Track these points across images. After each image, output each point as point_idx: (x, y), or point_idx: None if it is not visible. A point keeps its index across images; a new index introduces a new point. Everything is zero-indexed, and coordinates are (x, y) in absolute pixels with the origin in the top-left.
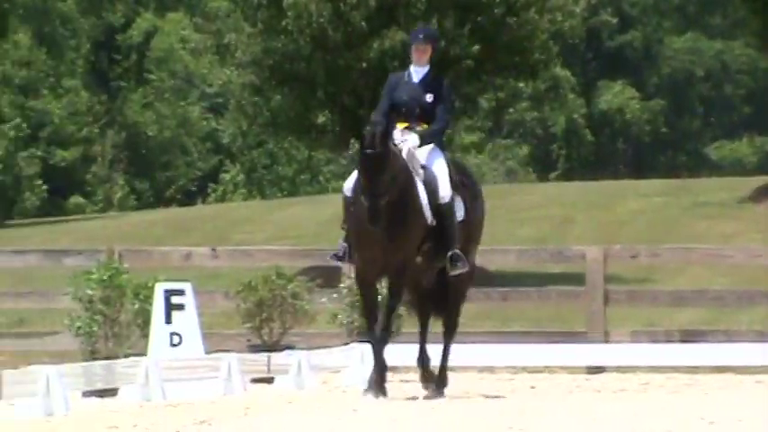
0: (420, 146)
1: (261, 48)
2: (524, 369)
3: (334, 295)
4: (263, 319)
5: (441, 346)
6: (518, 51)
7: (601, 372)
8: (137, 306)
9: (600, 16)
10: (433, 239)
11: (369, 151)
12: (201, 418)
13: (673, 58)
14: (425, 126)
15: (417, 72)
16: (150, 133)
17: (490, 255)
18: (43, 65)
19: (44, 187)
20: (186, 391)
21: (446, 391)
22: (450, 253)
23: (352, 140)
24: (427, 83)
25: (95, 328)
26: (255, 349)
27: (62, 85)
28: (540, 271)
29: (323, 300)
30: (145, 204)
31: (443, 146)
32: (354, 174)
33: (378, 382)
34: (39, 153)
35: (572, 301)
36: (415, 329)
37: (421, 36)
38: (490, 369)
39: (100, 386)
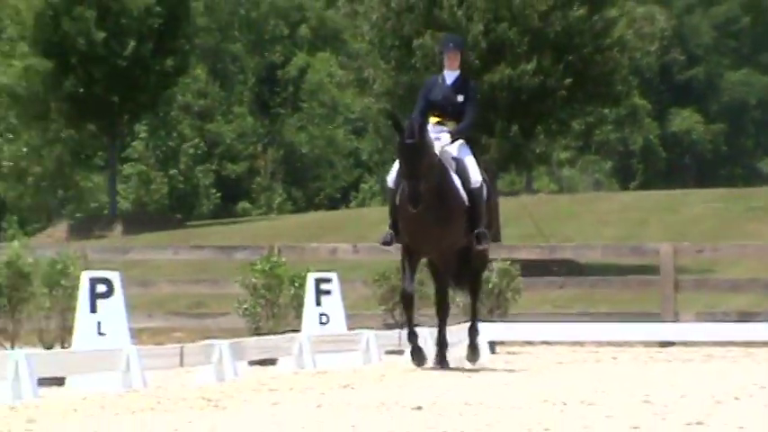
0: (451, 142)
1: (393, 81)
2: (608, 343)
3: (452, 282)
4: (395, 302)
5: (467, 325)
6: (604, 83)
7: (671, 346)
8: (292, 292)
9: (671, 54)
10: (466, 219)
11: (408, 141)
12: (345, 383)
13: (731, 89)
14: (455, 123)
15: (449, 76)
16: (303, 151)
17: (580, 250)
18: (217, 95)
19: (217, 195)
20: (332, 362)
21: (478, 364)
22: (477, 231)
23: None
24: (458, 85)
25: (259, 310)
26: (389, 327)
27: (232, 112)
28: (621, 263)
29: None
30: (299, 209)
31: (472, 140)
32: (395, 167)
33: (414, 345)
34: (213, 167)
35: (648, 288)
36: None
37: (451, 45)
38: (580, 343)
39: (262, 357)
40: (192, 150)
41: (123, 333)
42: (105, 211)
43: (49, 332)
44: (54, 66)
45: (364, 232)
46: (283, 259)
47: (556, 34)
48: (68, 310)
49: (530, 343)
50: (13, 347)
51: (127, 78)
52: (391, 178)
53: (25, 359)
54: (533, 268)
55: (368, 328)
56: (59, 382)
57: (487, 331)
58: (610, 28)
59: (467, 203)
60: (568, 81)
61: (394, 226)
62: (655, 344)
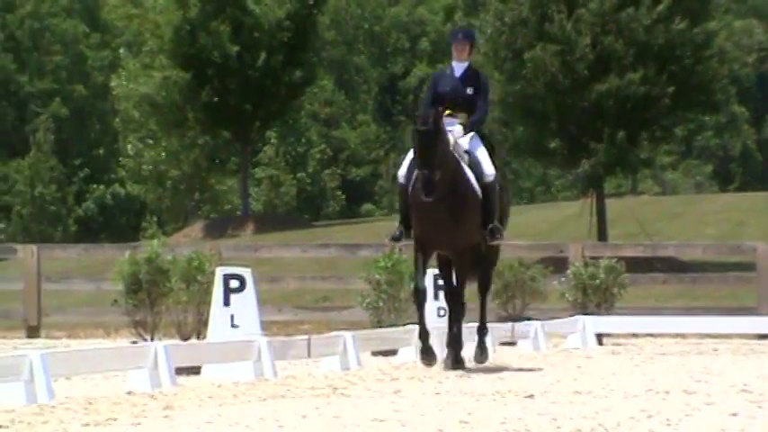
0: (463, 135)
1: (506, 91)
2: (708, 336)
3: (563, 279)
4: (508, 297)
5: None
6: (704, 92)
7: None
8: (412, 286)
9: (767, 64)
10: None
11: (422, 128)
12: (461, 373)
13: None
14: (465, 115)
15: (458, 68)
16: None
17: (682, 248)
18: (342, 104)
19: (342, 197)
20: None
21: (488, 362)
22: (490, 225)
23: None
24: (467, 77)
25: (381, 304)
26: (503, 320)
27: (356, 119)
28: (720, 261)
29: (554, 282)
30: None
31: (483, 133)
32: (406, 162)
33: (425, 344)
34: (338, 171)
35: (746, 284)
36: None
37: (460, 36)
38: (682, 335)
39: (384, 348)
40: (318, 155)
41: (255, 325)
42: (238, 212)
43: (186, 324)
44: (191, 77)
45: None
46: (404, 257)
47: (659, 46)
48: (204, 303)
49: (635, 335)
50: (152, 339)
51: (258, 89)
52: (402, 173)
53: (164, 350)
54: (637, 265)
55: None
56: (196, 371)
57: (595, 324)
58: (710, 40)
59: (480, 196)
60: (671, 90)
61: (405, 222)
62: (753, 336)
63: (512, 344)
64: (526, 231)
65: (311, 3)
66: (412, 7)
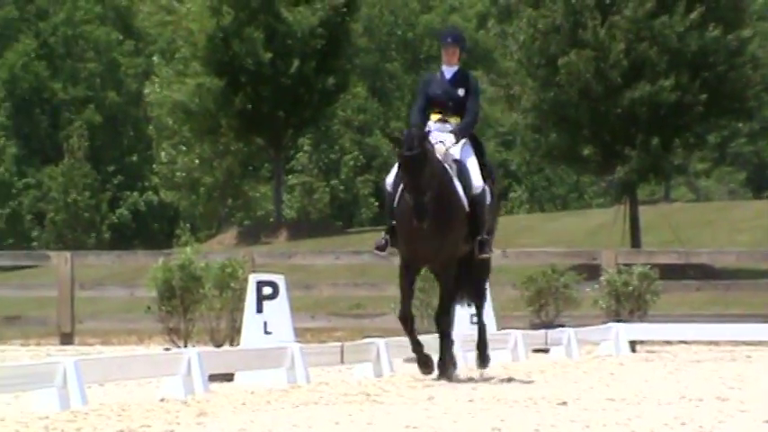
0: (456, 142)
1: (540, 97)
2: (742, 343)
3: (596, 286)
4: (541, 304)
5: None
6: (737, 99)
7: None
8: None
9: None
10: (467, 225)
11: (408, 153)
12: (494, 380)
13: None
14: (457, 118)
15: (448, 71)
16: None
17: (716, 255)
18: (375, 111)
19: (376, 204)
20: None
21: (488, 370)
22: (479, 238)
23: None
24: (457, 79)
25: (415, 310)
26: (535, 327)
27: (389, 126)
28: (754, 268)
29: (587, 289)
30: None
31: (475, 136)
32: (394, 169)
33: (420, 357)
34: (372, 178)
35: None
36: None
37: (449, 39)
38: (715, 343)
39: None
40: (352, 162)
41: (288, 332)
42: (271, 219)
43: (219, 331)
44: (224, 84)
45: (512, 238)
46: None
47: (692, 53)
48: (237, 310)
49: (668, 342)
50: (185, 346)
51: (291, 96)
52: (390, 181)
53: (197, 356)
54: (671, 272)
55: (515, 328)
56: (229, 377)
57: (628, 331)
58: (743, 47)
59: (467, 209)
60: (704, 97)
61: (391, 230)
62: None
63: (545, 351)
64: (559, 238)
65: (344, 10)
66: (445, 14)
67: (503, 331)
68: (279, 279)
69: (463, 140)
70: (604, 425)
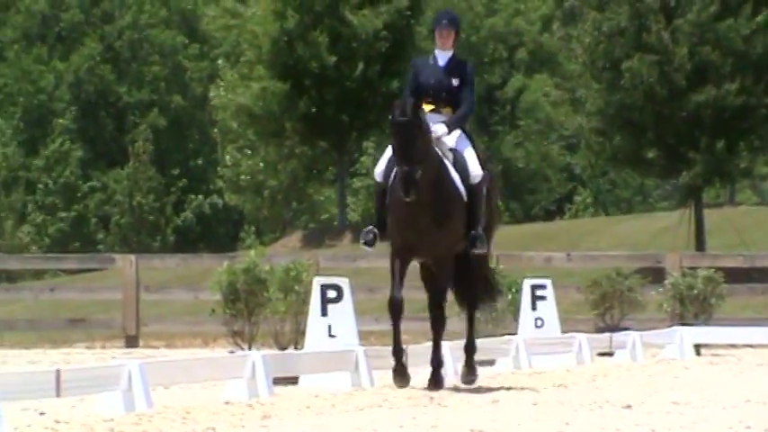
0: (448, 133)
1: (604, 101)
2: None
3: (660, 289)
4: (606, 308)
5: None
6: None
7: None
8: (509, 297)
9: None
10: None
11: (400, 119)
12: (559, 383)
13: None
14: (450, 110)
15: (441, 56)
16: (520, 165)
17: (761, 260)
18: None
19: None
20: (547, 362)
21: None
22: (473, 233)
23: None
24: (452, 67)
25: (478, 315)
26: (600, 330)
27: None
28: None
29: (652, 293)
30: (516, 220)
31: (469, 130)
32: (384, 158)
33: (398, 362)
34: None
35: None
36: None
37: (445, 21)
38: (752, 346)
39: (481, 358)
40: None
41: (352, 335)
42: (335, 222)
43: (284, 334)
44: (289, 87)
45: (577, 241)
46: (501, 267)
47: (758, 56)
48: (301, 313)
49: (733, 346)
50: (250, 349)
51: (356, 99)
52: (379, 171)
53: (261, 360)
54: (736, 276)
55: (580, 331)
56: (293, 381)
57: (693, 334)
58: None
59: (465, 199)
60: None
61: (379, 224)
62: None
63: (609, 354)
64: (624, 241)
65: (408, 13)
66: (509, 17)
67: (567, 335)
68: (343, 282)
69: (457, 132)
70: (669, 429)
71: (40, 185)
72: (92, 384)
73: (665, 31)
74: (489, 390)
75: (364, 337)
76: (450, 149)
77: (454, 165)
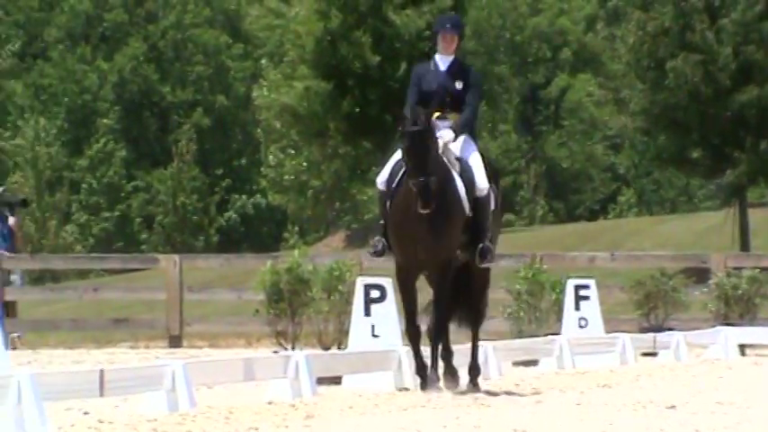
0: (454, 139)
1: (649, 100)
2: None
3: (705, 289)
4: (650, 308)
5: (469, 343)
6: None
7: None
8: (553, 297)
9: None
10: (468, 231)
11: (414, 128)
12: (603, 383)
13: None
14: (456, 114)
15: (444, 61)
16: (564, 165)
17: None
18: (483, 113)
19: None
20: (590, 362)
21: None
22: (481, 245)
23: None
24: (455, 71)
25: (522, 314)
26: (644, 330)
27: (498, 129)
28: None
29: (696, 293)
30: (560, 220)
31: (475, 134)
32: (388, 167)
33: (424, 379)
34: None
35: None
36: None
37: (448, 25)
38: None
39: (525, 358)
40: None
41: (395, 335)
42: (368, 216)
43: (327, 334)
44: (332, 87)
45: (621, 241)
46: (545, 267)
47: None
48: (345, 313)
49: None
50: (293, 349)
51: (399, 99)
52: (382, 179)
53: (305, 360)
54: None
55: (624, 331)
56: (336, 380)
57: (737, 335)
58: None
59: (468, 212)
60: None
61: (386, 233)
62: None
63: (653, 354)
64: (668, 241)
65: (452, 13)
66: (554, 17)
67: (611, 335)
68: (386, 282)
69: (463, 137)
70: (713, 429)
71: (84, 185)
72: (135, 384)
73: (710, 30)
74: (533, 390)
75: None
76: (457, 158)
77: (461, 175)
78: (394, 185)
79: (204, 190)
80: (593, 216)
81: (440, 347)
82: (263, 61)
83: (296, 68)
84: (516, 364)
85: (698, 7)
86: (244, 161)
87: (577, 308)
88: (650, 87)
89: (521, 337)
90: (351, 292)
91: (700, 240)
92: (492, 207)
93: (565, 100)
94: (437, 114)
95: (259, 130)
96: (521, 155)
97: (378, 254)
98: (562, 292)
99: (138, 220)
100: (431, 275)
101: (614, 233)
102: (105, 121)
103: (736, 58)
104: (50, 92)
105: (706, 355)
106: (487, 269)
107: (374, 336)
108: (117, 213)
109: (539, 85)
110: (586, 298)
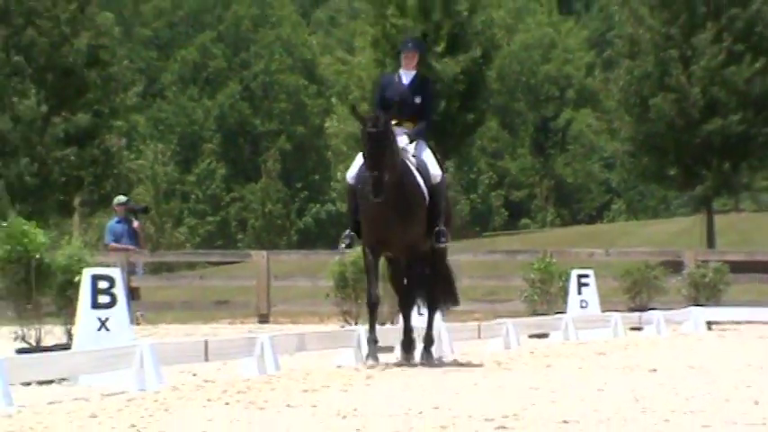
0: (409, 143)
1: (635, 130)
2: None
3: (679, 278)
4: (636, 292)
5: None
6: None
7: None
8: (560, 284)
9: None
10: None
11: (372, 130)
12: (599, 351)
13: None
14: (411, 124)
15: (406, 75)
16: (569, 180)
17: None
18: (505, 140)
19: (506, 213)
20: (590, 335)
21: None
22: (437, 229)
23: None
24: (415, 86)
25: (536, 297)
26: (631, 310)
27: (516, 152)
28: None
29: (672, 281)
30: (565, 223)
31: (426, 140)
32: (356, 163)
33: (371, 352)
34: (502, 193)
35: None
36: None
37: (410, 44)
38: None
39: (538, 332)
40: (486, 180)
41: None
42: None
43: (383, 313)
44: None
45: (613, 241)
46: (554, 260)
47: (756, 95)
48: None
49: (737, 323)
50: (356, 324)
51: (440, 129)
52: (351, 174)
53: (365, 333)
54: (739, 267)
55: (616, 311)
56: (390, 349)
57: (705, 314)
58: None
59: (427, 198)
60: (765, 129)
61: (354, 227)
62: None
63: (639, 329)
64: (650, 240)
65: (481, 61)
66: (560, 65)
67: (606, 314)
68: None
69: (416, 141)
70: (687, 387)
71: (192, 196)
72: (233, 352)
73: (683, 75)
74: (544, 357)
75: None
76: (414, 156)
77: (417, 168)
78: (361, 180)
79: (287, 200)
80: (591, 220)
81: (409, 320)
82: (333, 99)
83: (359, 105)
84: (531, 336)
85: (674, 57)
86: (318, 177)
87: (579, 292)
88: (636, 120)
89: (535, 315)
90: None
91: (675, 240)
92: (445, 193)
93: (569, 129)
94: (394, 123)
95: (330, 153)
96: (535, 172)
97: (348, 246)
98: (567, 280)
99: (234, 223)
100: (401, 257)
101: (608, 234)
102: (209, 145)
103: (703, 97)
104: (166, 123)
105: (680, 329)
106: (445, 252)
107: (419, 314)
108: (218, 218)
109: (549, 117)
110: (586, 285)
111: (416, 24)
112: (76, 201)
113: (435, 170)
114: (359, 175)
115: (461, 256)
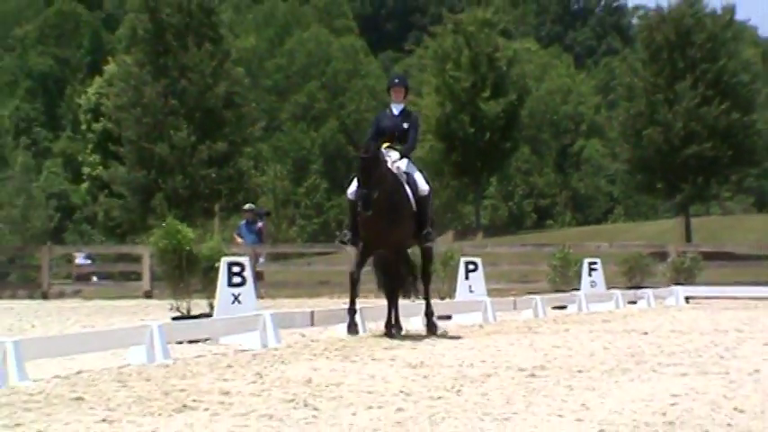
0: (400, 158)
1: (631, 155)
2: (754, 298)
3: (665, 264)
4: (632, 276)
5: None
6: (748, 155)
7: None
8: (575, 269)
9: None
10: (415, 222)
11: (364, 155)
12: (605, 319)
13: None
14: (400, 145)
15: (396, 108)
16: (582, 192)
17: (737, 246)
18: (533, 161)
19: (534, 216)
20: (598, 307)
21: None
22: (424, 231)
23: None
24: (404, 115)
25: (557, 279)
26: (629, 288)
27: (542, 170)
28: (760, 254)
29: (660, 267)
30: (579, 224)
31: (412, 159)
32: (354, 183)
33: (351, 325)
34: (532, 201)
35: None
36: None
37: (396, 81)
38: (735, 298)
39: (559, 304)
40: (520, 192)
41: (483, 291)
42: (473, 225)
43: (443, 291)
44: (445, 147)
45: (615, 237)
46: (570, 251)
47: (723, 127)
48: (453, 278)
49: (708, 297)
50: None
51: (485, 153)
52: (351, 191)
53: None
54: (710, 257)
55: (617, 288)
56: (449, 317)
57: (684, 291)
58: (753, 125)
59: (414, 209)
60: (730, 154)
61: (352, 228)
62: None
63: (634, 303)
64: (643, 236)
65: (516, 103)
66: (576, 105)
67: (610, 291)
68: (478, 260)
69: (406, 160)
70: (670, 345)
71: (302, 204)
72: (332, 320)
73: (668, 113)
74: (563, 323)
75: (490, 292)
76: (405, 172)
77: (408, 183)
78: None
79: None
80: (598, 221)
81: (394, 308)
82: None
83: (425, 135)
84: (554, 308)
85: (660, 99)
86: None
87: (590, 275)
88: (632, 146)
89: (556, 292)
90: (456, 266)
91: (662, 236)
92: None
93: (582, 154)
94: (387, 144)
95: None
96: (556, 186)
97: (345, 242)
98: (581, 266)
99: (333, 224)
100: (390, 253)
101: (611, 232)
102: (314, 166)
103: (683, 129)
104: (283, 150)
105: (665, 303)
106: (432, 250)
107: (470, 291)
108: (321, 220)
109: (567, 145)
110: (595, 269)
111: (468, 76)
112: (216, 207)
113: (423, 185)
114: (355, 192)
115: (500, 249)
